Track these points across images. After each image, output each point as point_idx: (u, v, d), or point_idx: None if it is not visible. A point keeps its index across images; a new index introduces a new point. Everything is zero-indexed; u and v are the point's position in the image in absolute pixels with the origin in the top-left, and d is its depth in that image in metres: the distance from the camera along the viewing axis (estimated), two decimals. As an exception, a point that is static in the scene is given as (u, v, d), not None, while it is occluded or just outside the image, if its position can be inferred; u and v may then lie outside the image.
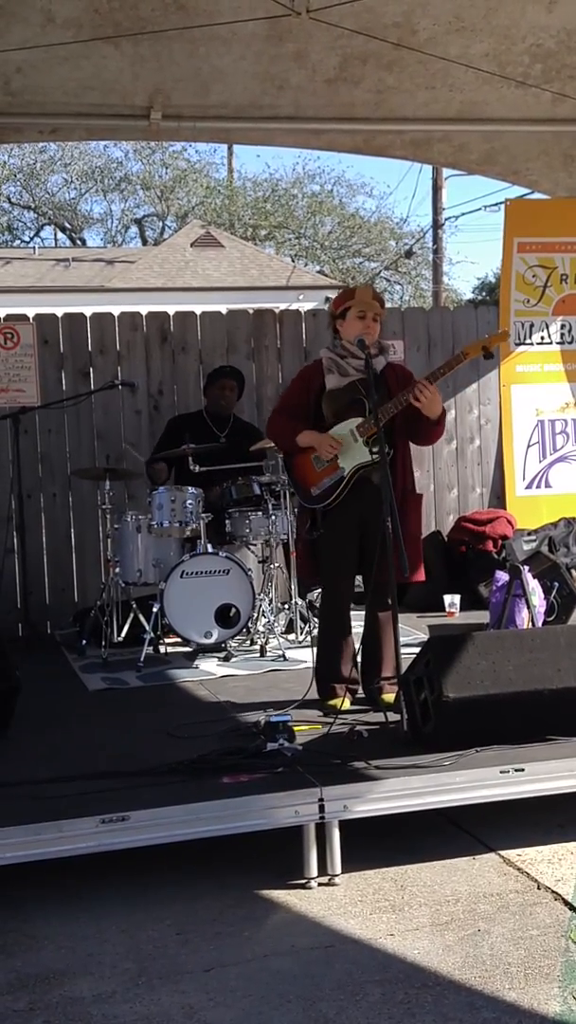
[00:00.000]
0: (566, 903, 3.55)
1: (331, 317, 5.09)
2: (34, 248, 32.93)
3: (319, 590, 6.32)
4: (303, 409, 5.00)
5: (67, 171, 35.89)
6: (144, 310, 7.99)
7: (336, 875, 3.77)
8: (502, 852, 3.96)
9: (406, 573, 4.86)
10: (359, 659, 5.01)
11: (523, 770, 3.96)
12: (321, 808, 3.75)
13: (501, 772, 3.95)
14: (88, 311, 7.86)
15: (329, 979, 3.15)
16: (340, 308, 4.98)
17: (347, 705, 4.87)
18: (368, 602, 4.97)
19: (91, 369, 7.62)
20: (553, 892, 3.64)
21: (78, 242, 37.20)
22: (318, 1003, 3.01)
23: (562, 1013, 2.91)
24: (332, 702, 4.88)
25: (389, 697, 4.78)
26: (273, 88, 6.92)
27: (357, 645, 5.02)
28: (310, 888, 3.72)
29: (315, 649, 5.10)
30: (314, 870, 3.75)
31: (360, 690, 5.01)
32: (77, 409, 7.52)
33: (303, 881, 3.74)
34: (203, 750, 4.25)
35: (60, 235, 38.13)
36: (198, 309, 8.10)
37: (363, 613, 5.02)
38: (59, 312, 7.80)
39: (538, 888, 3.68)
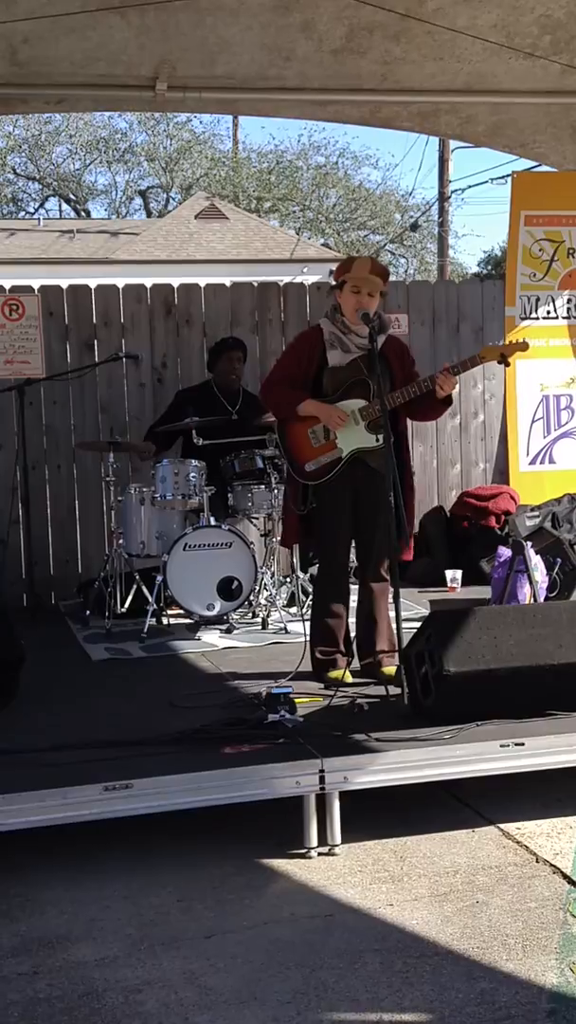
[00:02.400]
0: (564, 876, 3.59)
1: (330, 287, 5.05)
2: (39, 220, 32.78)
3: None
4: (302, 380, 4.94)
5: (72, 142, 35.72)
6: (148, 282, 7.98)
7: (336, 845, 3.80)
8: (501, 825, 4.00)
9: (409, 552, 4.89)
10: (352, 632, 5.03)
11: (523, 744, 3.99)
12: (321, 779, 3.78)
13: (501, 746, 3.98)
14: (92, 283, 7.85)
15: (328, 947, 3.19)
16: (339, 279, 4.93)
17: (348, 678, 4.89)
18: (362, 575, 4.99)
19: (95, 341, 7.62)
20: (551, 865, 3.67)
21: (82, 214, 37.03)
22: (317, 971, 3.05)
23: (559, 984, 2.94)
24: (333, 674, 4.91)
25: (389, 670, 4.80)
26: (280, 59, 6.88)
27: (351, 619, 5.05)
28: (310, 858, 3.76)
29: (309, 620, 5.12)
30: (314, 840, 3.79)
31: (354, 662, 5.03)
32: (81, 381, 7.52)
33: (303, 851, 3.78)
34: (205, 720, 4.28)
35: (64, 206, 37.99)
36: (202, 281, 8.08)
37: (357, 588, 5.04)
38: (63, 284, 7.78)
39: (537, 861, 3.72)
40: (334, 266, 5.25)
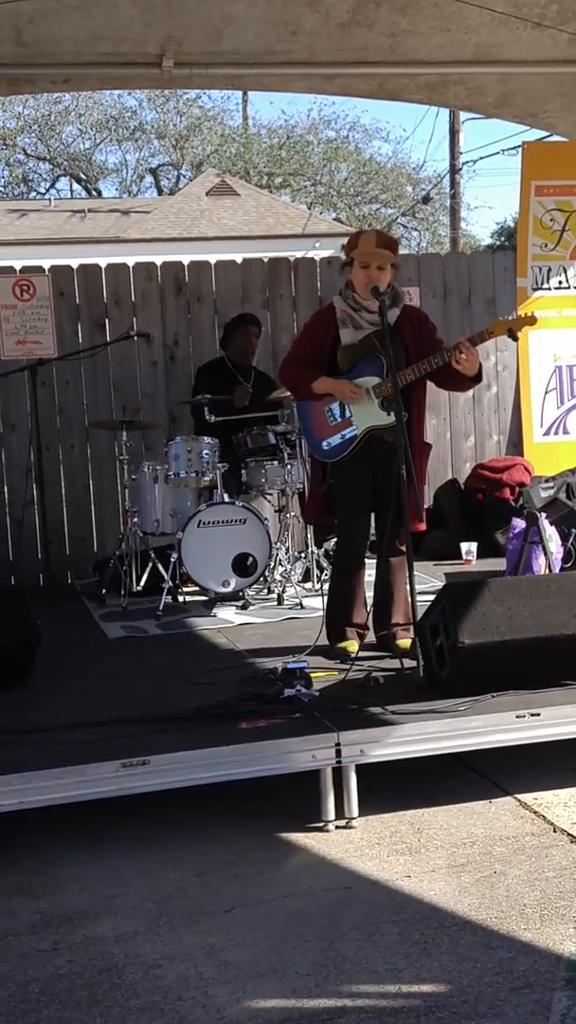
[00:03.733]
0: (581, 845, 3.60)
1: (341, 263, 5.04)
2: (50, 200, 32.71)
3: (335, 539, 6.35)
4: (317, 359, 4.95)
5: (81, 121, 35.57)
6: (160, 260, 7.95)
7: (353, 818, 3.82)
8: (518, 796, 4.01)
9: (422, 522, 4.89)
10: (370, 605, 5.04)
11: (539, 715, 3.99)
12: (338, 752, 3.80)
13: (517, 717, 3.98)
14: (104, 262, 7.83)
15: (347, 919, 3.20)
16: (348, 255, 4.91)
17: (354, 648, 4.88)
18: (381, 549, 4.99)
19: (107, 320, 7.61)
20: (569, 835, 3.68)
21: (93, 193, 36.92)
22: (336, 943, 3.07)
23: (577, 952, 2.96)
24: (342, 645, 4.92)
25: (404, 643, 4.81)
26: (286, 33, 6.82)
27: (369, 593, 5.06)
28: (328, 831, 3.78)
29: (327, 593, 5.13)
30: (331, 813, 3.81)
31: (370, 635, 5.04)
32: (93, 361, 7.51)
33: (321, 824, 3.80)
34: (221, 696, 4.30)
35: (75, 186, 37.86)
36: (214, 259, 8.05)
37: (375, 561, 5.04)
38: (74, 264, 7.77)
39: (554, 831, 3.72)
40: (346, 240, 5.21)
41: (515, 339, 4.85)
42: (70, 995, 2.88)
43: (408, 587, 4.54)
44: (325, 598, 5.13)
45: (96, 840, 3.79)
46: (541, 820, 3.81)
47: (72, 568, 7.55)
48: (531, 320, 4.86)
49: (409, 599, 4.55)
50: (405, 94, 7.89)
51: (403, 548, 4.80)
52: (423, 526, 5.01)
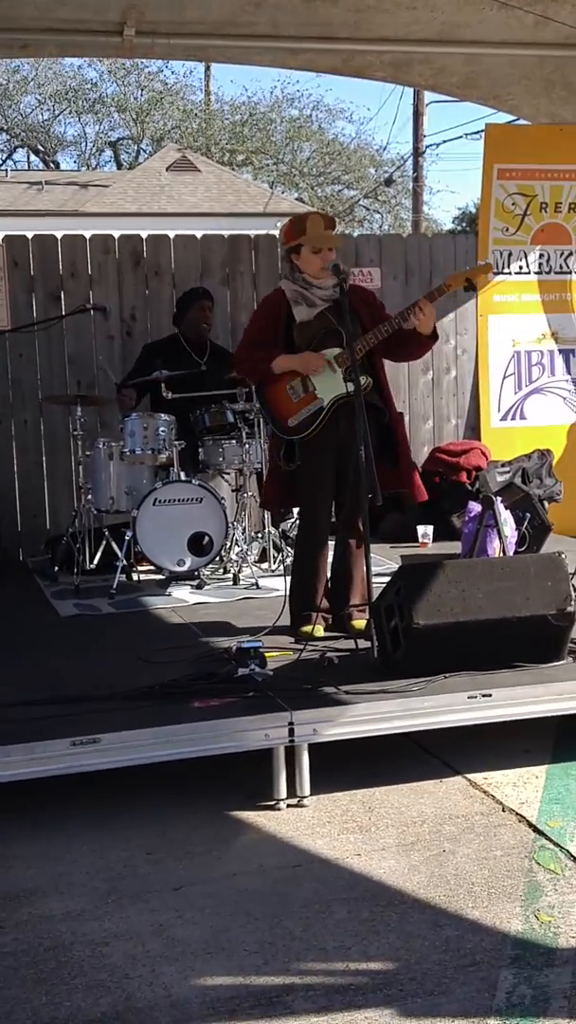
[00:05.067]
0: (530, 825, 3.62)
1: (285, 250, 4.99)
2: (6, 171, 32.27)
3: (292, 520, 6.33)
4: (272, 340, 4.91)
5: (40, 92, 35.08)
6: (118, 234, 7.86)
7: (305, 797, 3.82)
8: (468, 775, 4.03)
9: (379, 502, 4.88)
10: (329, 586, 5.03)
11: (490, 696, 4.01)
12: (291, 731, 3.79)
13: (469, 698, 4.00)
14: (61, 235, 7.72)
15: (296, 897, 3.20)
16: (293, 243, 4.87)
17: (320, 633, 4.89)
18: (340, 530, 4.98)
19: (62, 293, 7.50)
20: (517, 814, 3.70)
21: (51, 165, 36.46)
22: (285, 920, 3.07)
23: (524, 931, 2.98)
24: (305, 629, 4.90)
25: (359, 624, 4.81)
26: (250, 5, 6.73)
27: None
28: (279, 809, 3.78)
29: (289, 577, 5.11)
30: (283, 792, 3.81)
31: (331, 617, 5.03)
32: (48, 334, 7.41)
33: (272, 803, 3.80)
34: (175, 675, 4.27)
35: (33, 158, 37.40)
36: (173, 234, 7.97)
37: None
38: (30, 235, 7.65)
39: (503, 810, 3.75)
40: (284, 225, 5.17)
41: (473, 289, 4.90)
42: (15, 973, 2.85)
43: (366, 568, 4.54)
44: (285, 579, 5.11)
45: (45, 818, 3.75)
46: (490, 800, 3.84)
47: (23, 545, 7.46)
48: (486, 268, 5.04)
49: (364, 581, 4.55)
50: (370, 71, 7.84)
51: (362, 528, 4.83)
52: (424, 496, 5.06)
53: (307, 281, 4.84)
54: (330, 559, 5.06)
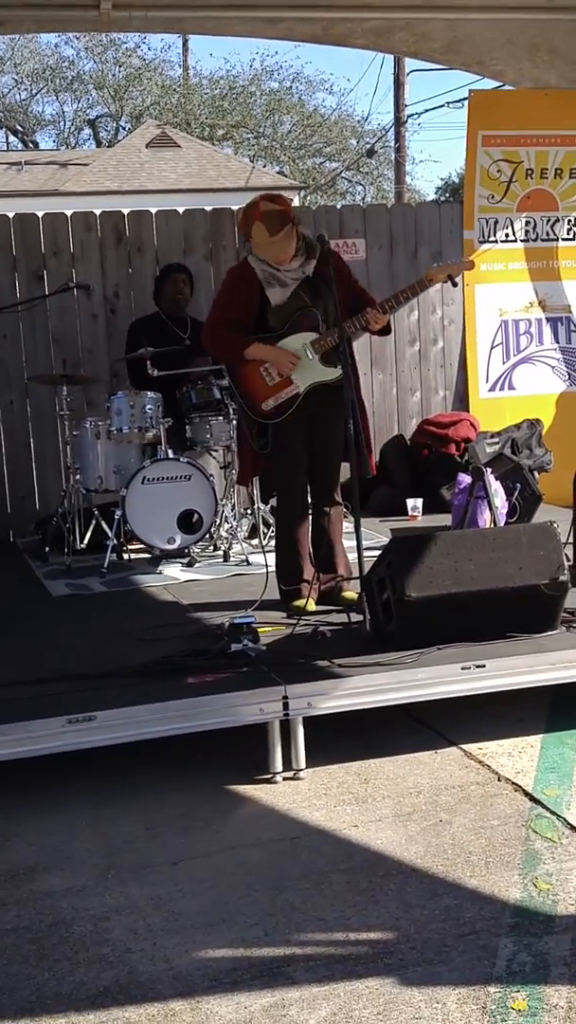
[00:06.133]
0: (526, 794, 3.64)
1: (244, 238, 4.93)
2: (-15, 151, 32.03)
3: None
4: (244, 321, 4.85)
5: (17, 71, 34.74)
6: (99, 212, 7.80)
7: (301, 770, 3.83)
8: (464, 746, 4.04)
9: (368, 476, 4.89)
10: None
11: (484, 666, 4.02)
12: (285, 705, 3.80)
13: (462, 669, 4.01)
14: (42, 214, 7.66)
15: (295, 869, 3.22)
16: (244, 234, 4.81)
17: (312, 606, 4.89)
18: (317, 502, 4.98)
19: (45, 272, 7.45)
20: (513, 783, 3.72)
21: (30, 145, 36.14)
22: (284, 892, 3.08)
23: (522, 899, 3.00)
24: (298, 603, 4.90)
25: (350, 595, 4.82)
26: (227, -26, 6.68)
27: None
28: (276, 783, 3.79)
29: (274, 554, 5.10)
30: (279, 765, 3.82)
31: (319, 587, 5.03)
32: (32, 314, 7.36)
33: (269, 776, 3.81)
34: (168, 652, 4.27)
35: (11, 138, 37.06)
36: (155, 210, 7.91)
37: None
38: (11, 215, 7.59)
39: (499, 780, 3.76)
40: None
41: (454, 284, 4.89)
42: (17, 950, 2.86)
43: (342, 538, 4.54)
44: (269, 555, 5.11)
45: (44, 796, 3.76)
46: (486, 770, 3.85)
47: (13, 526, 7.44)
48: (469, 265, 4.96)
49: (354, 552, 4.55)
50: (350, 39, 7.75)
51: (339, 499, 4.87)
52: (372, 471, 5.04)
53: (272, 265, 4.79)
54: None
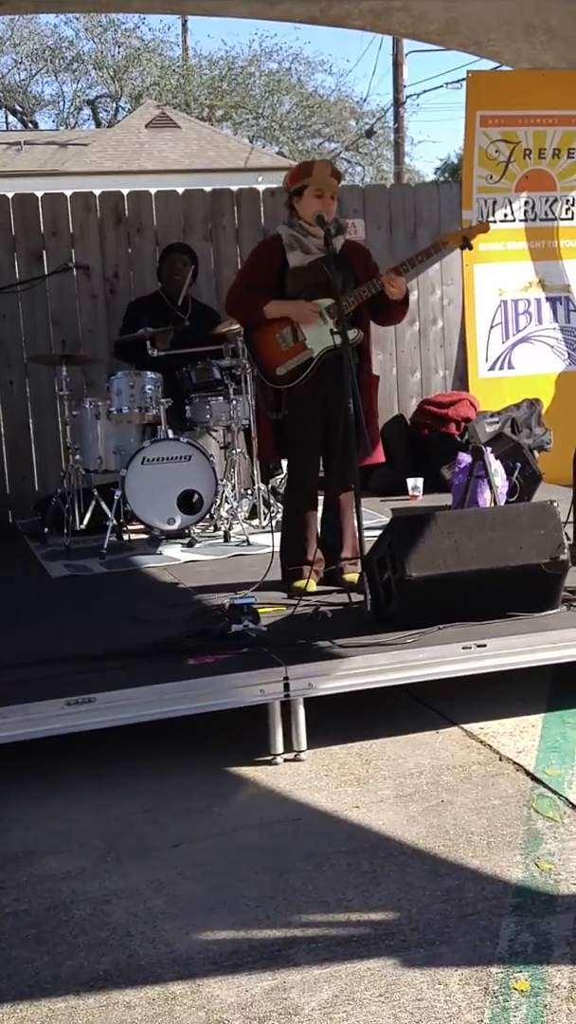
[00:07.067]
0: (528, 773, 3.62)
1: (287, 194, 4.96)
2: (-16, 132, 31.86)
3: (282, 476, 6.30)
4: (265, 285, 4.87)
5: (16, 51, 34.56)
6: (99, 192, 7.75)
7: (302, 751, 3.82)
8: (465, 726, 4.03)
9: (369, 454, 4.86)
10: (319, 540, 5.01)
11: (485, 646, 4.00)
12: (286, 686, 3.78)
13: (463, 648, 3.99)
14: (42, 194, 7.60)
15: (296, 851, 3.20)
16: (296, 185, 4.84)
17: (312, 587, 4.87)
18: (329, 483, 4.95)
19: (44, 252, 7.40)
20: (515, 763, 3.70)
21: (29, 125, 35.96)
22: (286, 874, 3.07)
23: (524, 879, 2.98)
24: (298, 584, 4.88)
25: (352, 577, 4.79)
26: (226, -47, 6.61)
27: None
28: (276, 764, 3.77)
29: (280, 531, 5.09)
30: (280, 747, 3.80)
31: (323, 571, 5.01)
32: (31, 294, 7.32)
33: (269, 758, 3.79)
34: (168, 633, 4.25)
35: (11, 118, 36.88)
36: (154, 191, 7.86)
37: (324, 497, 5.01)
38: (10, 195, 7.54)
39: (500, 759, 3.75)
40: (289, 172, 5.14)
41: (469, 247, 4.91)
42: (16, 933, 2.85)
43: (357, 522, 4.52)
44: (278, 535, 5.09)
45: (43, 779, 3.74)
46: (487, 749, 3.83)
47: (13, 507, 7.41)
48: (483, 228, 4.95)
49: (357, 535, 4.53)
50: (348, 20, 7.69)
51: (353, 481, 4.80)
52: (382, 457, 5.01)
53: (304, 228, 4.82)
54: (320, 512, 5.04)
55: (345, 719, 4.05)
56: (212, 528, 6.40)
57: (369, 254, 5.08)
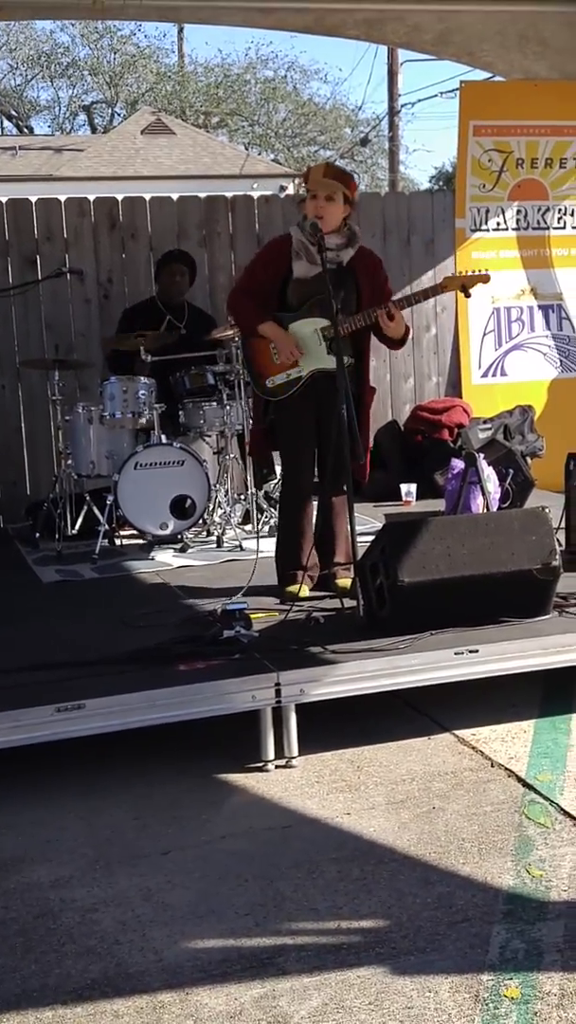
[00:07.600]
0: (519, 780, 3.61)
1: (300, 198, 4.98)
2: (-21, 137, 31.89)
3: (275, 481, 6.29)
4: (268, 291, 4.85)
5: (12, 57, 34.63)
6: (93, 198, 7.74)
7: (293, 757, 3.80)
8: (457, 732, 4.01)
9: (362, 460, 4.85)
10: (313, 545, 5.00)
11: (477, 652, 3.99)
12: (277, 692, 3.76)
13: (455, 654, 3.98)
14: (36, 199, 7.60)
15: (286, 858, 3.18)
16: (304, 189, 4.88)
17: (306, 592, 4.85)
18: (323, 488, 4.94)
19: (38, 257, 7.39)
20: (507, 769, 3.69)
21: (25, 130, 35.98)
22: (275, 882, 3.05)
23: (516, 886, 2.97)
24: (291, 589, 4.87)
25: (344, 582, 4.78)
26: (220, -36, 6.63)
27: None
28: (267, 771, 3.76)
29: (276, 536, 5.08)
30: (271, 753, 3.78)
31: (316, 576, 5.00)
32: (24, 298, 7.30)
33: (260, 764, 3.77)
34: (160, 639, 4.23)
35: (6, 123, 36.90)
36: (149, 196, 7.85)
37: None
38: (3, 199, 7.53)
39: (492, 766, 3.74)
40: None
41: (467, 295, 5.01)
42: (4, 942, 2.82)
43: (350, 527, 4.51)
44: (270, 540, 5.08)
45: (32, 786, 3.72)
46: (479, 755, 3.82)
47: (4, 512, 7.37)
48: (484, 278, 4.97)
49: (350, 540, 4.53)
50: (342, 30, 7.72)
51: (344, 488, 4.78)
52: (364, 477, 4.98)
53: (313, 234, 4.73)
54: (314, 518, 5.03)
55: (337, 725, 4.03)
56: (205, 533, 6.39)
57: (379, 266, 5.00)
